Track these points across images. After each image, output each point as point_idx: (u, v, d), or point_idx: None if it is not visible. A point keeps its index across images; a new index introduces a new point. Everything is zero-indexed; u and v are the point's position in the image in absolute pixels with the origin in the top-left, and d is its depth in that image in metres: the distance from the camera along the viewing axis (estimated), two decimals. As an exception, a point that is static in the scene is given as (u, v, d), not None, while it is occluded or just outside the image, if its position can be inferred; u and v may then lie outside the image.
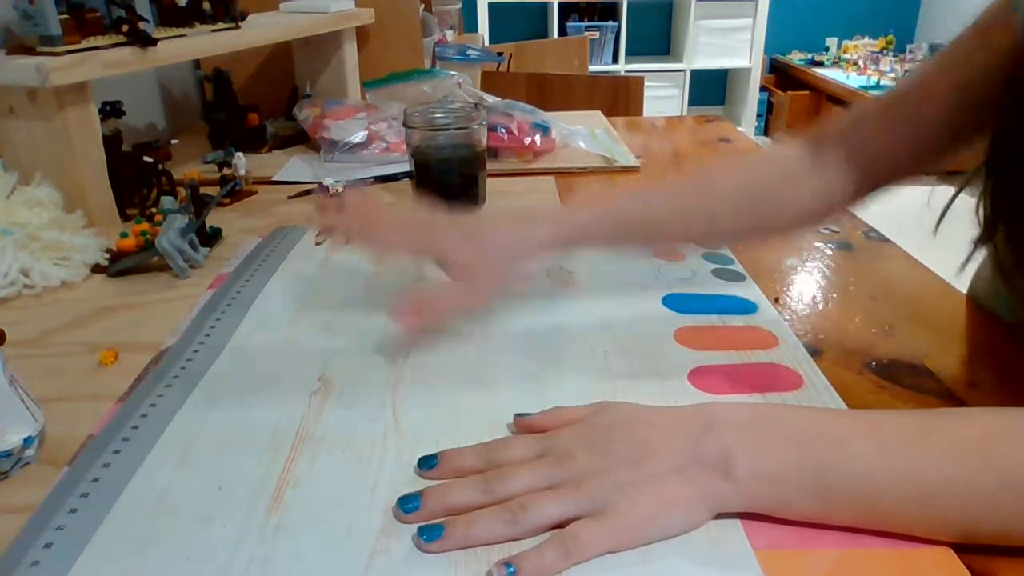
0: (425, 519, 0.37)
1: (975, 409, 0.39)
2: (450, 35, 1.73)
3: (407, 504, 0.38)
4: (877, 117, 0.54)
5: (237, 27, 0.94)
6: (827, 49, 4.22)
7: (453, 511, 0.38)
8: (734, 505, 0.37)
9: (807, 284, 0.65)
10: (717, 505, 0.37)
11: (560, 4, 3.85)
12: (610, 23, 3.95)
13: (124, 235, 0.70)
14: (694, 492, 0.37)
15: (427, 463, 0.41)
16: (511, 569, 0.34)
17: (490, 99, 1.08)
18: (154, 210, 0.78)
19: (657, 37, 4.25)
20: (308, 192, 0.90)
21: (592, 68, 3.60)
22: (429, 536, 0.36)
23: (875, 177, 0.54)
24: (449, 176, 0.83)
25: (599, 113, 1.31)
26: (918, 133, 0.52)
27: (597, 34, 3.91)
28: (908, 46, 4.11)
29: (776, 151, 0.58)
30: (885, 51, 4.04)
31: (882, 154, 0.54)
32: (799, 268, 0.68)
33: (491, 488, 0.38)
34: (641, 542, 0.36)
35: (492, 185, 0.87)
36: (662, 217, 0.56)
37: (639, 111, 1.77)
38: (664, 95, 4.00)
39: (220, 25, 0.92)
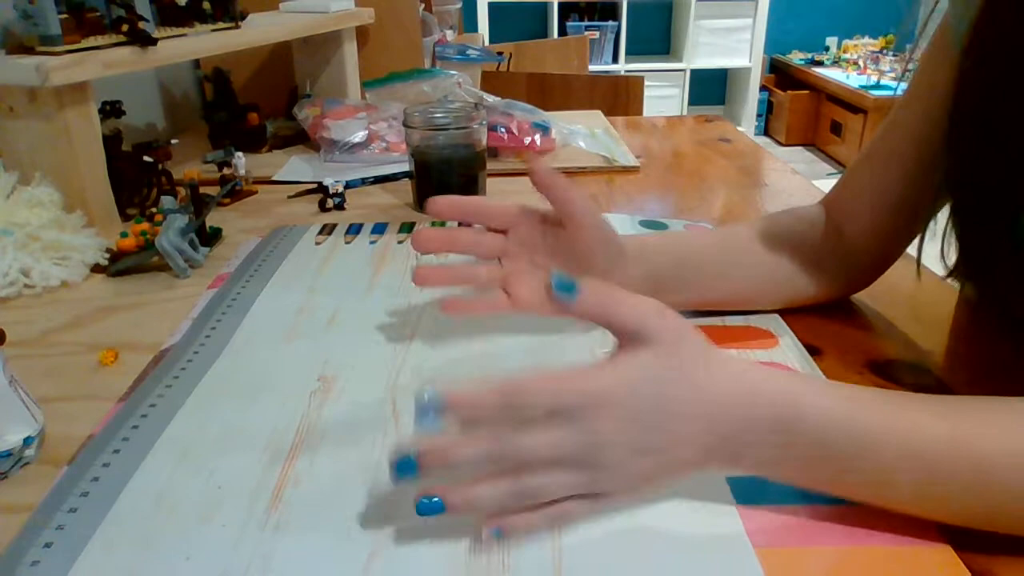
0: (451, 514, 0.35)
1: (943, 405, 0.38)
2: (450, 35, 1.73)
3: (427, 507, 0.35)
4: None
5: (237, 27, 0.94)
6: (827, 49, 4.22)
7: (477, 509, 0.35)
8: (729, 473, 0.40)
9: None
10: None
11: (560, 4, 3.85)
12: (610, 23, 3.96)
13: (124, 235, 0.70)
14: (697, 471, 0.37)
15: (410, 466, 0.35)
16: (497, 533, 0.35)
17: (490, 99, 1.08)
18: (154, 210, 0.78)
19: (657, 37, 4.25)
20: (308, 192, 0.90)
21: (592, 68, 3.60)
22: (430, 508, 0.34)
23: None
24: (449, 176, 0.83)
25: (599, 113, 1.31)
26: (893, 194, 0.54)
27: (597, 34, 3.92)
28: (908, 46, 4.11)
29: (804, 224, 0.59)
30: (885, 51, 4.04)
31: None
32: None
33: (522, 491, 0.35)
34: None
35: (492, 185, 0.88)
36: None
37: (639, 111, 1.77)
38: (664, 95, 4.01)
39: (220, 25, 0.92)
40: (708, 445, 0.36)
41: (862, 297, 0.61)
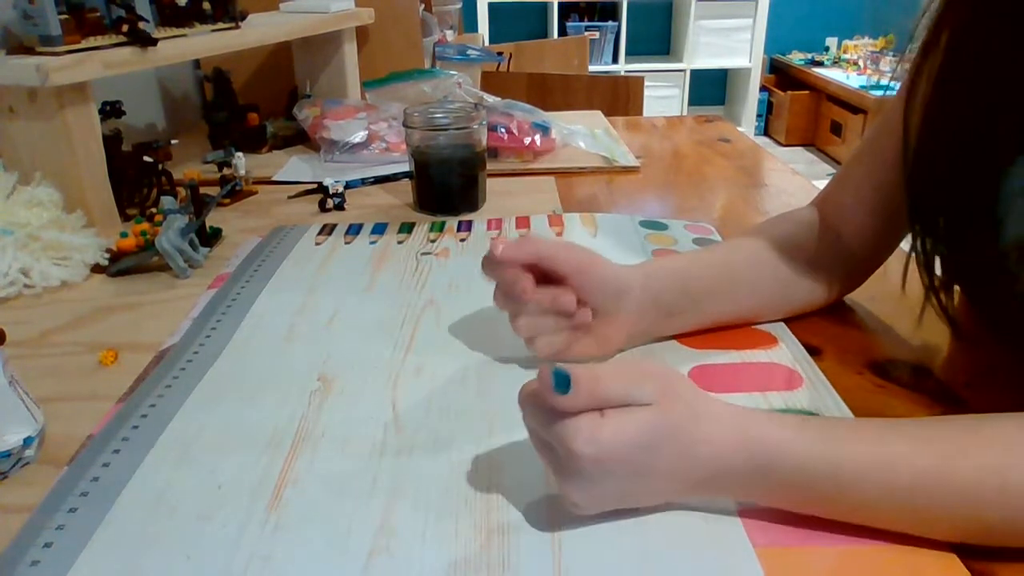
0: None
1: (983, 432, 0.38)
2: (450, 35, 1.73)
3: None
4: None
5: (237, 27, 0.94)
6: (827, 49, 4.22)
7: None
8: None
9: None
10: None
11: (560, 4, 3.85)
12: (610, 23, 3.95)
13: (124, 235, 0.70)
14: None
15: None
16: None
17: (490, 99, 1.08)
18: (154, 210, 0.78)
19: (657, 37, 4.25)
20: (308, 192, 0.90)
21: (592, 68, 3.59)
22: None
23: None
24: (449, 176, 0.83)
25: (599, 113, 1.31)
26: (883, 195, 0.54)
27: (597, 34, 3.92)
28: (908, 46, 4.10)
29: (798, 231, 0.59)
30: (885, 51, 4.04)
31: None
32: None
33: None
34: None
35: (492, 185, 0.88)
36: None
37: (639, 111, 1.77)
38: (664, 95, 4.00)
39: (220, 25, 0.92)
40: (682, 492, 0.38)
41: (861, 298, 0.61)
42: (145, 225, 0.71)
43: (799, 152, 4.00)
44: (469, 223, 0.80)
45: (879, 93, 3.52)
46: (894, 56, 3.95)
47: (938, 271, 0.50)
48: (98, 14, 0.75)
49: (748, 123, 4.09)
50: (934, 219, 0.49)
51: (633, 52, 4.07)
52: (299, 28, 1.07)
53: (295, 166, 1.02)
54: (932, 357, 0.54)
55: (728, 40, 3.99)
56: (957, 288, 0.51)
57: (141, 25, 0.77)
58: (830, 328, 0.57)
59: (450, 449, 0.44)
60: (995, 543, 0.36)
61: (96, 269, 0.70)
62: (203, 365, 0.53)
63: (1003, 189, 0.44)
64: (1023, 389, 0.48)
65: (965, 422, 0.38)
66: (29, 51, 0.72)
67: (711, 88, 4.33)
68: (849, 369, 0.52)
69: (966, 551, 0.36)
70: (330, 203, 0.85)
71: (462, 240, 0.75)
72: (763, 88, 4.15)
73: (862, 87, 3.65)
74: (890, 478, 0.35)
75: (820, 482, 0.36)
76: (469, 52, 1.40)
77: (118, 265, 0.69)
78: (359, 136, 1.01)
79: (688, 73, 4.01)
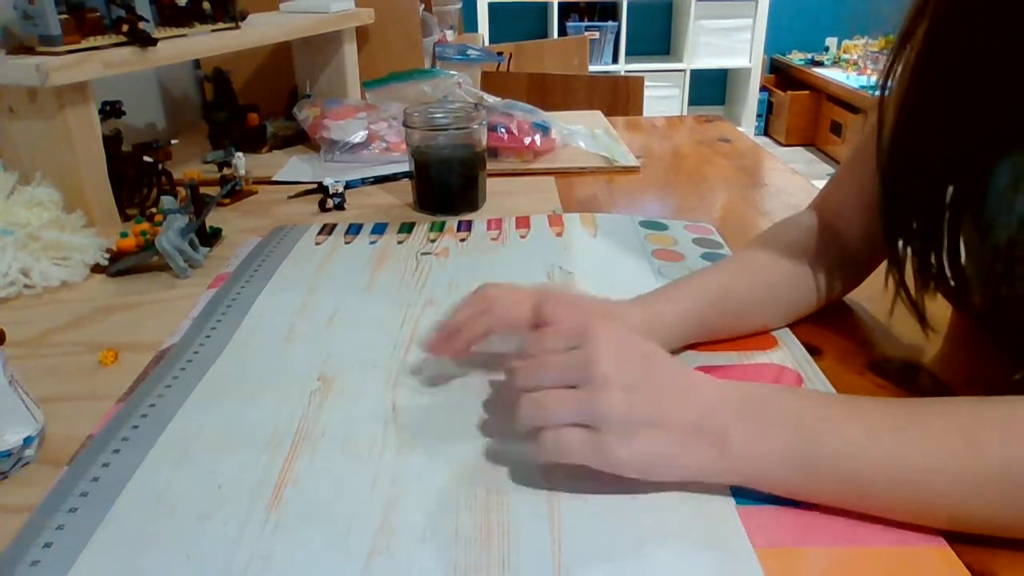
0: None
1: (963, 398, 0.39)
2: (450, 35, 1.73)
3: None
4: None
5: (237, 27, 0.94)
6: (827, 49, 4.21)
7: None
8: (720, 478, 0.39)
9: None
10: (704, 475, 0.39)
11: (560, 4, 3.85)
12: (610, 23, 3.95)
13: (124, 235, 0.70)
14: (688, 459, 0.38)
15: None
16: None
17: (490, 99, 1.08)
18: (154, 210, 0.78)
19: (657, 37, 4.25)
20: (308, 192, 0.90)
21: (592, 68, 3.59)
22: None
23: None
24: (449, 176, 0.83)
25: (599, 113, 1.31)
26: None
27: (597, 34, 3.91)
28: (908, 46, 4.10)
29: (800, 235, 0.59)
30: (885, 51, 4.03)
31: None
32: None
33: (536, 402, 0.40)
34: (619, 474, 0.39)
35: (492, 185, 0.88)
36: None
37: (639, 111, 1.77)
38: (664, 95, 4.00)
39: (220, 25, 0.92)
40: (697, 411, 0.39)
41: (860, 298, 0.61)
42: (145, 225, 0.71)
43: (799, 152, 4.00)
44: (469, 223, 0.80)
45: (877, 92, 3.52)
46: (894, 56, 3.95)
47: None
48: (98, 14, 0.75)
49: (748, 123, 4.09)
50: (908, 215, 0.49)
51: (633, 52, 4.06)
52: (299, 28, 1.07)
53: (295, 166, 1.02)
54: (932, 357, 0.54)
55: (728, 40, 3.99)
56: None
57: (141, 25, 0.77)
58: (830, 328, 0.57)
59: (450, 449, 0.44)
60: (974, 522, 0.36)
61: (96, 269, 0.70)
62: (203, 365, 0.53)
63: (989, 188, 0.43)
64: (1022, 388, 0.48)
65: (963, 414, 0.38)
66: (29, 51, 0.72)
67: (711, 88, 4.33)
68: (849, 369, 0.52)
69: (966, 550, 0.36)
70: (330, 203, 0.85)
71: (462, 240, 0.75)
72: (763, 88, 4.14)
73: (862, 87, 3.64)
74: (873, 420, 0.37)
75: (809, 420, 0.38)
76: (469, 52, 1.40)
77: (118, 265, 0.69)
78: (359, 136, 1.01)
79: (688, 73, 4.01)
